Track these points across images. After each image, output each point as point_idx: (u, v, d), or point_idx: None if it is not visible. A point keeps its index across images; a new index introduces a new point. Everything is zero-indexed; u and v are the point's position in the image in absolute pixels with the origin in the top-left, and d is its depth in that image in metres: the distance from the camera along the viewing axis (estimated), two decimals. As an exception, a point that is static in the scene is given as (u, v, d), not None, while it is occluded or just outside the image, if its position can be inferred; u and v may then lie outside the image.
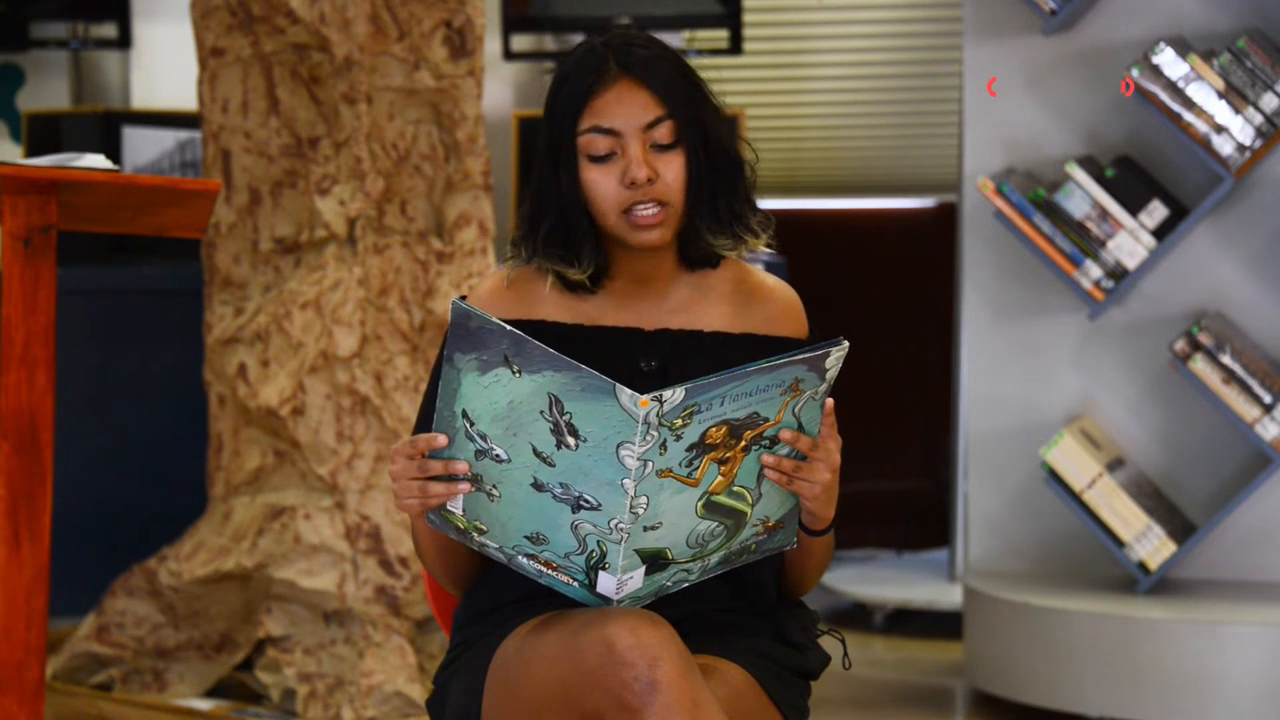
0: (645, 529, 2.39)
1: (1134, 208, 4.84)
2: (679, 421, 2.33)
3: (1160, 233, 4.84)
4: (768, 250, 2.71)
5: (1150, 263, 4.85)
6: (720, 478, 2.40)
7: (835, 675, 3.05)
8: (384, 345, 4.81)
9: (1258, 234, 4.99)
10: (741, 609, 2.64)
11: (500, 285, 2.66)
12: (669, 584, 2.47)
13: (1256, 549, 5.02)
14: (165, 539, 5.03)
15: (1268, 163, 4.93)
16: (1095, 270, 4.84)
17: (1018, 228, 4.88)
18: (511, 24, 6.25)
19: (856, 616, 5.97)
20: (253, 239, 4.91)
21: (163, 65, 6.46)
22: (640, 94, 2.57)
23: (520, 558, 2.45)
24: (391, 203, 4.85)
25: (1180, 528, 4.93)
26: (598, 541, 2.40)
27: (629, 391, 2.30)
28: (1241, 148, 4.73)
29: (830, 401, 2.44)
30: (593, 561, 2.42)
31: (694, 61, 2.72)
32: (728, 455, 2.39)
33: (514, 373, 2.33)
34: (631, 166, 2.55)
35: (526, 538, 2.43)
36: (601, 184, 2.57)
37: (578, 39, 6.43)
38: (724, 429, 2.37)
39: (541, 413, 2.34)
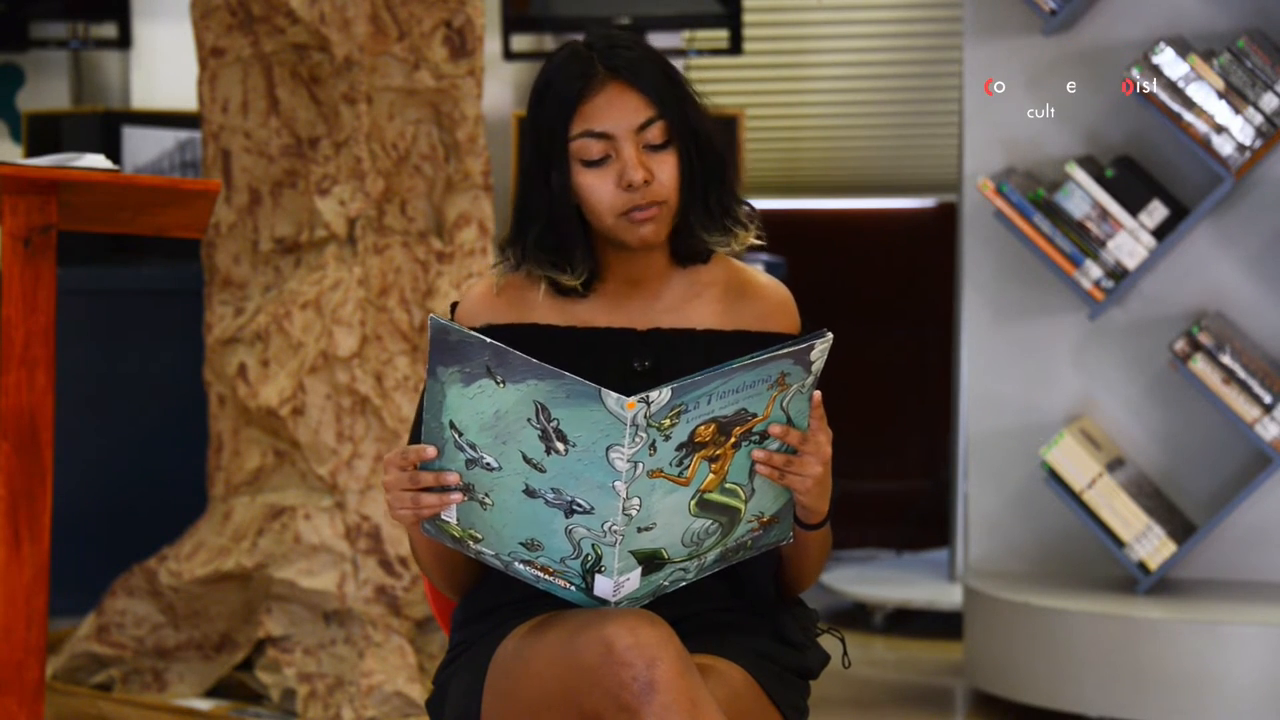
0: (639, 530, 2.39)
1: (1134, 208, 4.84)
2: (667, 421, 2.33)
3: (1160, 233, 4.84)
4: (762, 248, 2.71)
5: (1150, 263, 4.85)
6: (712, 475, 2.40)
7: (835, 675, 3.05)
8: (384, 345, 4.81)
9: (1258, 234, 4.99)
10: (740, 608, 2.64)
11: (490, 290, 2.65)
12: (666, 584, 2.47)
13: (1256, 549, 5.02)
14: (165, 539, 5.03)
15: (1268, 163, 4.93)
16: (1095, 270, 4.84)
17: (1018, 228, 4.88)
18: (511, 24, 6.25)
19: (856, 616, 5.97)
20: (253, 239, 4.91)
21: (163, 65, 6.46)
22: (630, 96, 2.56)
23: (517, 564, 2.45)
24: (391, 203, 4.85)
25: (1180, 528, 4.93)
26: (592, 545, 2.40)
27: (615, 395, 2.30)
28: (1241, 148, 4.73)
29: (818, 394, 2.44)
30: (588, 565, 2.42)
31: (694, 61, 2.72)
32: (718, 453, 2.39)
33: (498, 383, 2.34)
34: (628, 169, 2.55)
35: (521, 544, 2.43)
36: (598, 189, 2.56)
37: (577, 39, 6.44)
38: (713, 427, 2.37)
39: (529, 420, 2.34)
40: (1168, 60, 4.73)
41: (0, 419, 2.67)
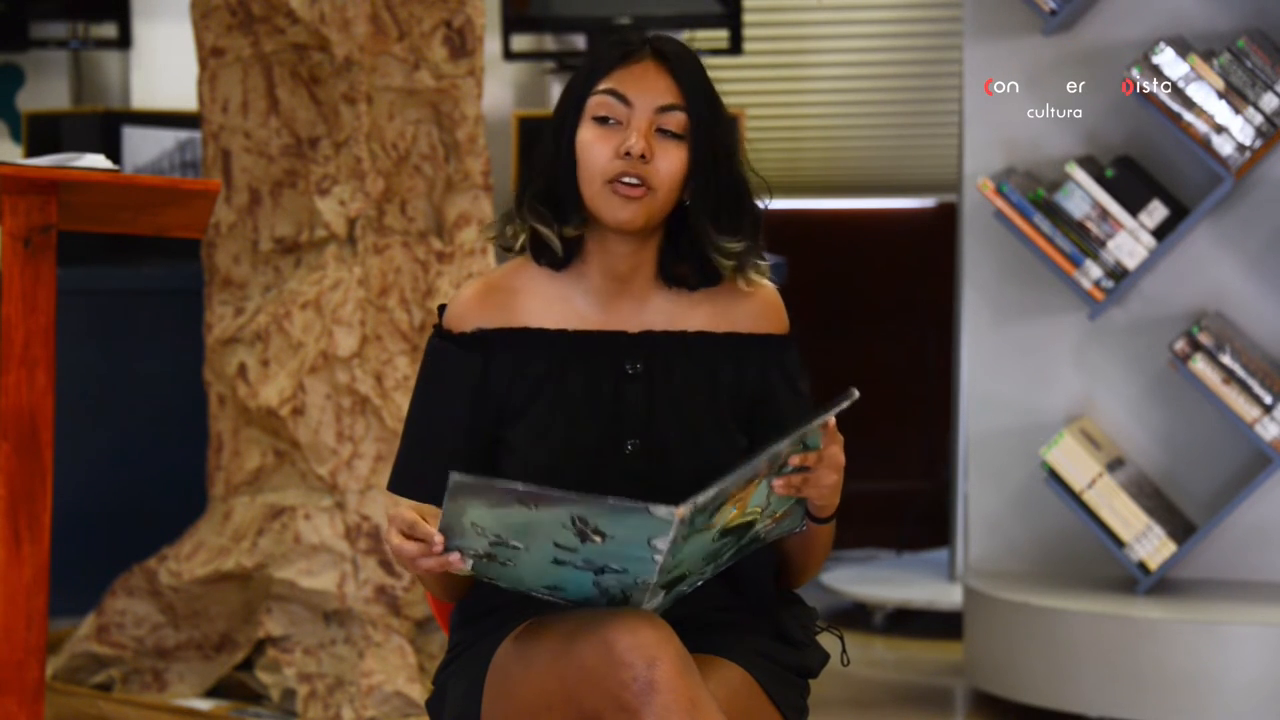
0: (668, 572, 2.40)
1: (1134, 208, 4.84)
2: (708, 509, 2.36)
3: (1160, 233, 4.84)
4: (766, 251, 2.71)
5: (1150, 263, 4.85)
6: (735, 511, 2.41)
7: (835, 675, 3.05)
8: (384, 345, 4.81)
9: (1258, 234, 4.99)
10: (740, 608, 2.64)
11: (479, 294, 2.64)
12: (685, 589, 2.48)
13: (1256, 549, 5.02)
14: (165, 539, 5.03)
15: (1268, 163, 4.93)
16: (1095, 270, 4.84)
17: (1018, 228, 4.88)
18: (511, 24, 6.24)
19: (856, 616, 5.97)
20: (253, 239, 4.91)
21: (163, 65, 6.46)
22: (663, 78, 2.58)
23: (534, 594, 2.45)
24: (391, 203, 4.85)
25: (1180, 528, 4.93)
26: (622, 591, 2.41)
27: (664, 507, 2.30)
28: (1241, 148, 4.73)
29: (832, 421, 2.46)
30: (615, 601, 2.43)
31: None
32: (742, 495, 2.41)
33: (530, 508, 2.33)
34: (631, 137, 2.55)
35: (545, 587, 2.43)
36: (596, 148, 2.56)
37: (578, 39, 6.44)
38: (742, 488, 2.40)
39: (564, 525, 2.34)
40: (1168, 60, 4.73)
41: (0, 419, 2.67)
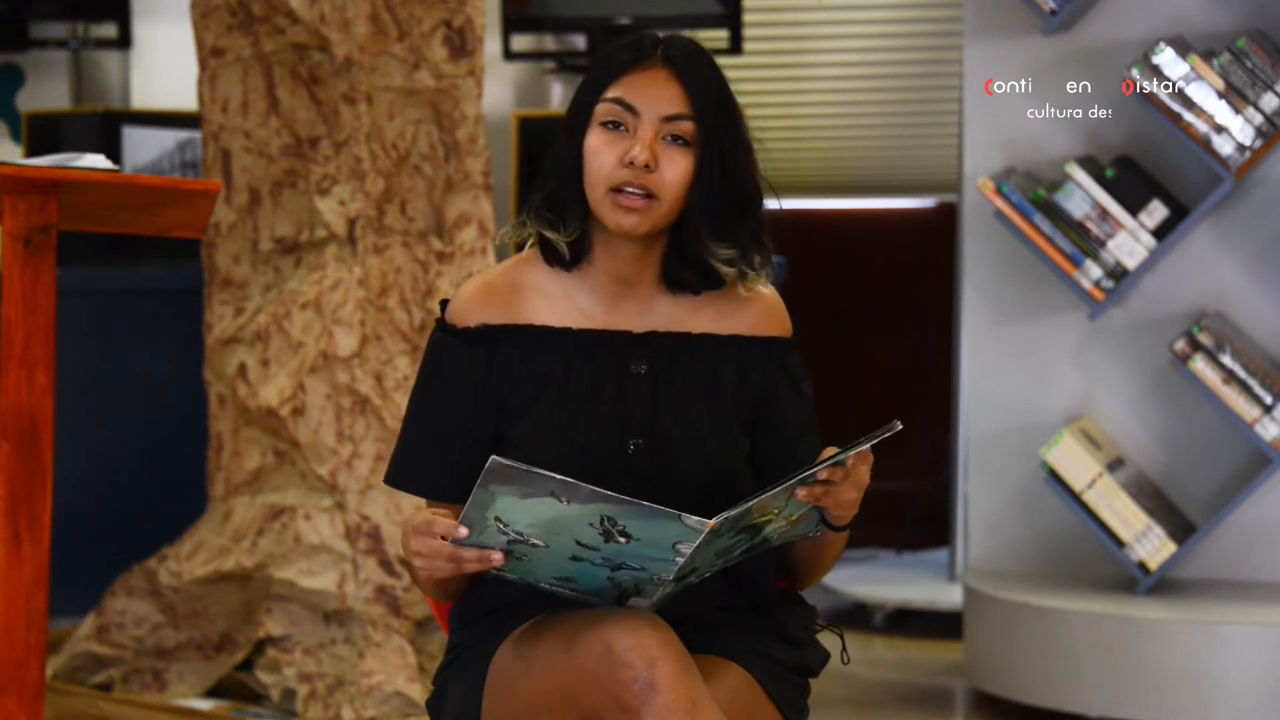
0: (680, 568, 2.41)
1: (1134, 208, 4.84)
2: (739, 522, 2.36)
3: (1160, 233, 4.84)
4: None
5: (1150, 263, 4.85)
6: (756, 515, 2.42)
7: (835, 675, 3.05)
8: (384, 345, 4.81)
9: (1258, 234, 4.99)
10: (740, 608, 2.64)
11: (484, 289, 2.64)
12: (694, 579, 2.48)
13: (1256, 549, 5.02)
14: (165, 539, 5.03)
15: (1268, 163, 4.93)
16: (1095, 270, 4.84)
17: (1018, 228, 4.88)
18: (511, 24, 6.24)
19: (856, 616, 5.97)
20: (253, 239, 4.91)
21: (163, 65, 6.46)
22: (672, 86, 2.57)
23: (542, 585, 2.45)
24: (391, 203, 4.85)
25: (1180, 528, 4.93)
26: (635, 584, 2.41)
27: (695, 518, 2.31)
28: (1241, 148, 4.73)
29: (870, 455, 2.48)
30: (626, 594, 2.43)
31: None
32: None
33: (562, 502, 2.32)
34: (636, 147, 2.55)
35: (555, 578, 2.43)
36: (601, 153, 2.56)
37: (578, 39, 6.44)
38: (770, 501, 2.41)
39: (590, 524, 2.34)
40: (1168, 60, 4.73)
41: (0, 419, 2.67)
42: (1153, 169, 4.98)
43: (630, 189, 2.55)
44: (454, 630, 2.68)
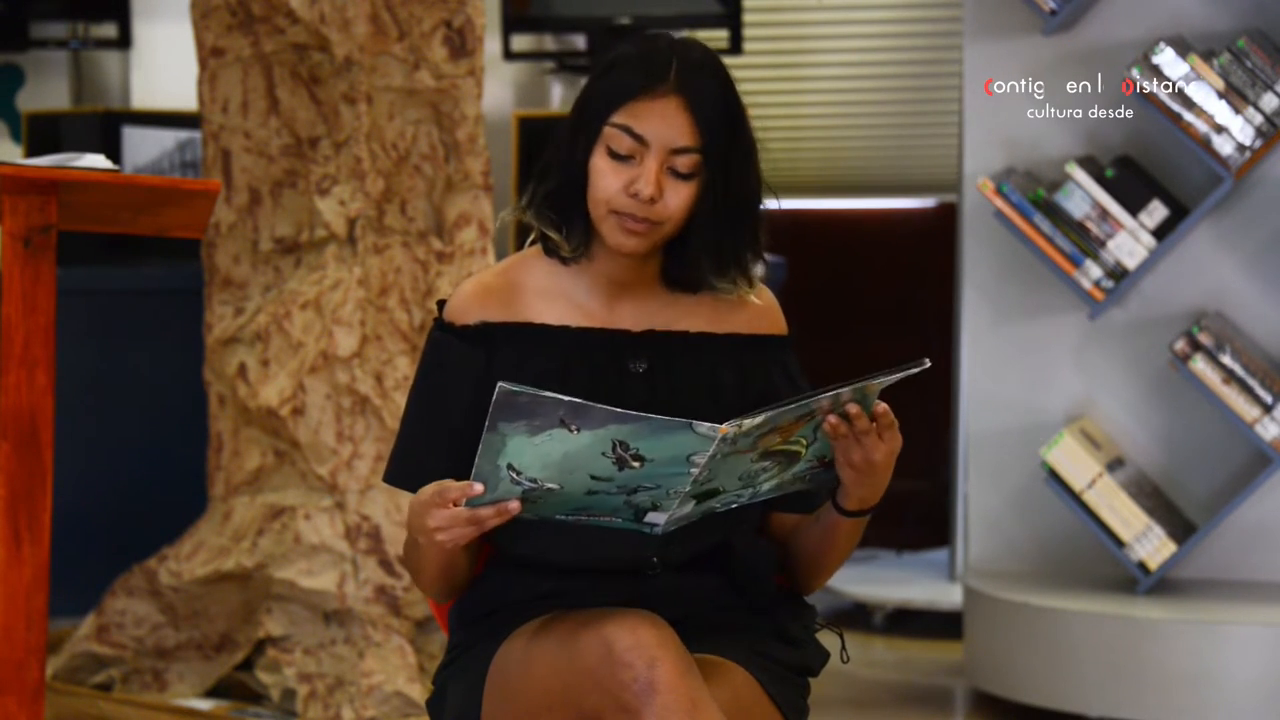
0: (700, 485, 2.40)
1: (1134, 208, 4.84)
2: (753, 434, 2.35)
3: (1160, 233, 4.84)
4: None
5: (1150, 263, 4.85)
6: (779, 439, 2.41)
7: (835, 675, 3.05)
8: (384, 345, 4.81)
9: (1258, 234, 4.99)
10: (740, 608, 2.64)
11: (482, 288, 2.64)
12: (718, 506, 2.47)
13: (1256, 549, 5.02)
14: (165, 539, 5.03)
15: (1268, 163, 4.93)
16: (1095, 270, 4.84)
17: (1018, 228, 4.88)
18: (511, 24, 6.24)
19: (856, 616, 5.97)
20: (253, 239, 4.91)
21: (163, 65, 6.46)
22: (683, 118, 2.55)
23: (556, 518, 2.44)
24: (391, 203, 4.85)
25: (1180, 528, 4.93)
26: (652, 502, 2.40)
27: (706, 424, 2.31)
28: (1241, 148, 4.73)
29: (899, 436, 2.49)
30: (643, 511, 2.42)
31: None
32: (790, 428, 2.42)
33: (572, 431, 2.32)
34: (641, 180, 2.54)
35: (571, 511, 2.42)
36: (607, 178, 2.56)
37: (578, 39, 6.44)
38: (790, 420, 2.39)
39: (603, 454, 2.33)
40: (1168, 60, 4.73)
41: (0, 419, 2.67)
42: (1153, 169, 4.98)
43: (632, 218, 2.55)
44: (454, 630, 2.68)
